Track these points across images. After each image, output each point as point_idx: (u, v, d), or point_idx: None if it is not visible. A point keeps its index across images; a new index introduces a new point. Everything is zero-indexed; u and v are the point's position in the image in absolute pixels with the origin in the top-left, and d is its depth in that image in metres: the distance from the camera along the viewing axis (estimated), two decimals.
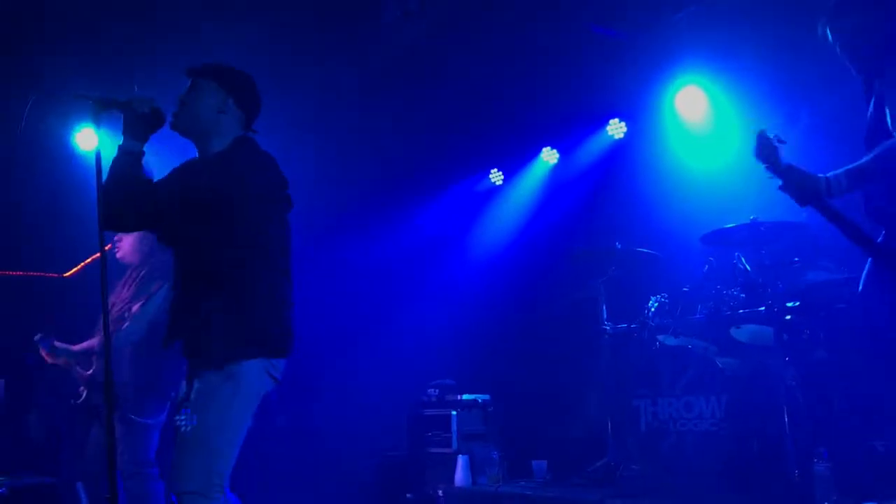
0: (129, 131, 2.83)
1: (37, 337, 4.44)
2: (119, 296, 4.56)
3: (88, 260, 5.27)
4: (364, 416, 6.15)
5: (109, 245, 4.65)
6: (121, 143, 2.84)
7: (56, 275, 5.50)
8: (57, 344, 4.44)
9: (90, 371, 4.47)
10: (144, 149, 2.88)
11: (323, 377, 6.10)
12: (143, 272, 4.56)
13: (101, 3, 5.02)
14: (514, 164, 7.12)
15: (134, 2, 5.06)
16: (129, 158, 2.83)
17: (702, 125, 5.91)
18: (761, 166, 3.10)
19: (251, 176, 2.85)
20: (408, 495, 5.61)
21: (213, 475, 2.68)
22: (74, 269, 5.43)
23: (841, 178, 3.04)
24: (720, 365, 4.58)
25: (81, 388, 4.53)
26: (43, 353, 4.45)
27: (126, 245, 4.63)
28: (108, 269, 2.83)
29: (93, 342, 4.43)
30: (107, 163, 2.80)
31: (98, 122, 2.79)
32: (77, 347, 4.46)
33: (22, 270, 5.87)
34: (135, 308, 4.45)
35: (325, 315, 6.39)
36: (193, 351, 2.85)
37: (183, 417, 4.01)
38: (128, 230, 4.12)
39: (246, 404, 2.77)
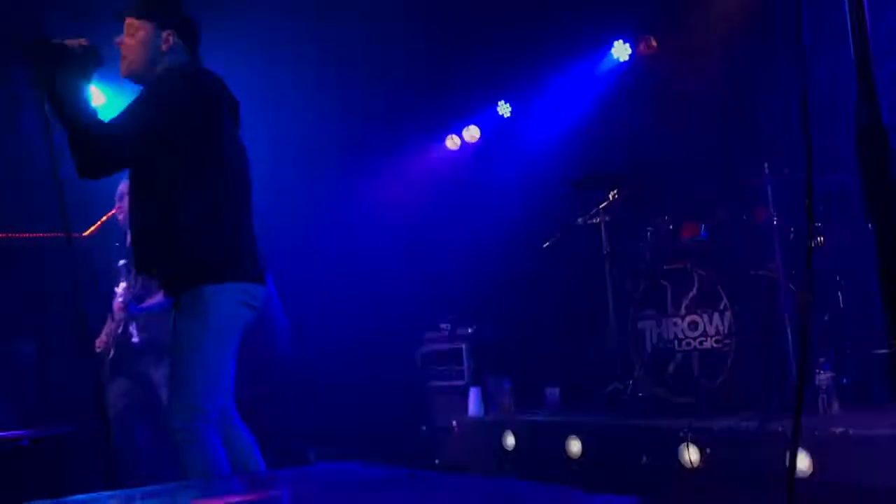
0: (70, 68, 2.59)
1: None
2: None
3: (104, 217, 5.36)
4: (377, 352, 6.21)
5: (116, 209, 4.71)
6: (61, 83, 2.58)
7: (77, 234, 5.61)
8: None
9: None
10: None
11: (336, 315, 6.16)
12: None
13: None
14: (521, 96, 6.99)
15: None
16: (77, 94, 2.59)
17: None
18: None
19: (185, 96, 2.73)
20: (422, 427, 5.70)
21: (193, 411, 2.73)
22: (93, 228, 5.54)
23: None
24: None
25: (107, 342, 4.60)
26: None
27: (126, 205, 4.63)
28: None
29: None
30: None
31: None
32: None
33: (42, 232, 6.00)
34: None
35: (337, 257, 6.45)
36: (163, 283, 2.94)
37: None
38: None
39: (219, 338, 2.79)
